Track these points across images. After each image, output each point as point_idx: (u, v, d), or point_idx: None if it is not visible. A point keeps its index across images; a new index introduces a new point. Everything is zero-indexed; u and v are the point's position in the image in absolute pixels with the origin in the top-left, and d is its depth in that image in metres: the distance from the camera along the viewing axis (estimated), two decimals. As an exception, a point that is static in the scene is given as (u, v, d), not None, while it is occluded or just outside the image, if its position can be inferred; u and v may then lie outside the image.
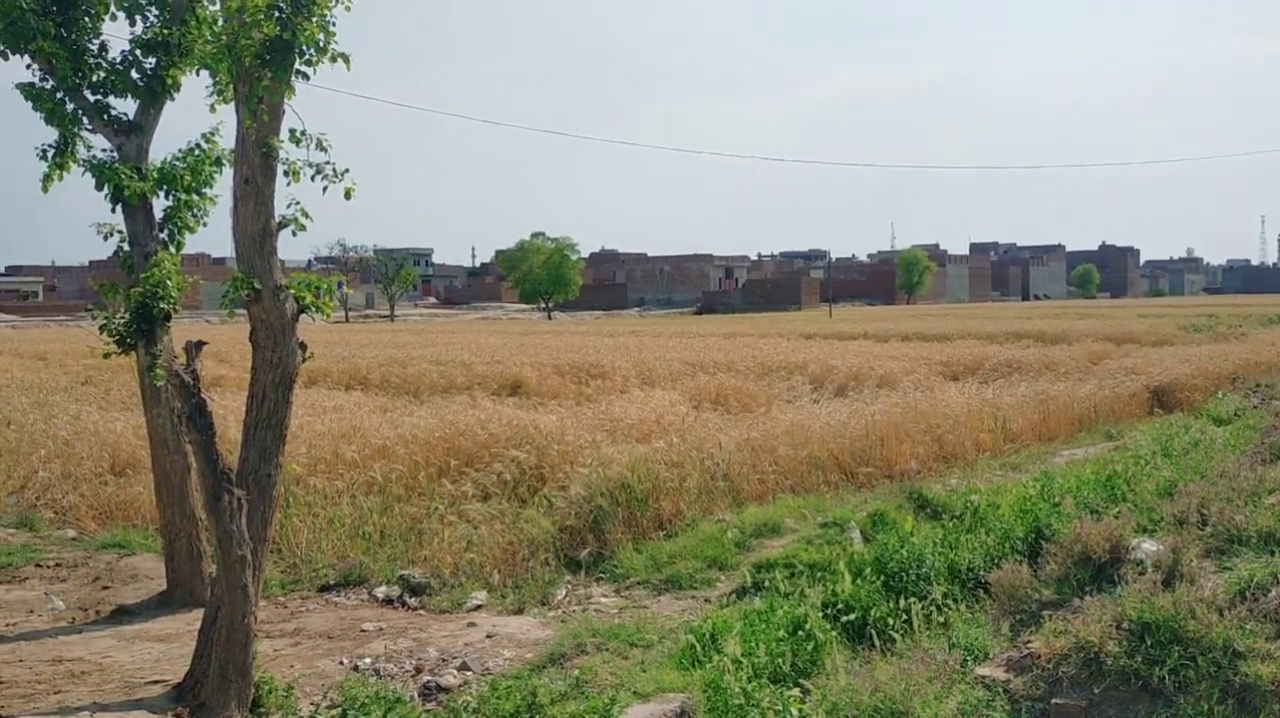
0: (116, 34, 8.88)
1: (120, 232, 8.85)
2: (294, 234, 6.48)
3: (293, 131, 6.45)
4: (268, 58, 6.13)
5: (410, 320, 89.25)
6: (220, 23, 6.99)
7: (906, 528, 9.21)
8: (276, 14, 6.11)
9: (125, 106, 8.99)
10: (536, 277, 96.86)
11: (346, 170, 6.64)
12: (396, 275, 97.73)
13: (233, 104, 6.45)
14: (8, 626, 8.36)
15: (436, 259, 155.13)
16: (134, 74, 8.83)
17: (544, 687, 5.35)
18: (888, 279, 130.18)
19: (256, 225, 6.34)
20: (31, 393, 20.94)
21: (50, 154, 8.82)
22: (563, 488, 10.58)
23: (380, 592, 9.19)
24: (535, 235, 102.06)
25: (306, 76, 6.36)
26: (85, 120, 8.80)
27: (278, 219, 6.43)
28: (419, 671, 7.24)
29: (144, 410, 8.87)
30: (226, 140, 8.97)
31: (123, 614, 8.54)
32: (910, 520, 9.51)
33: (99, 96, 8.80)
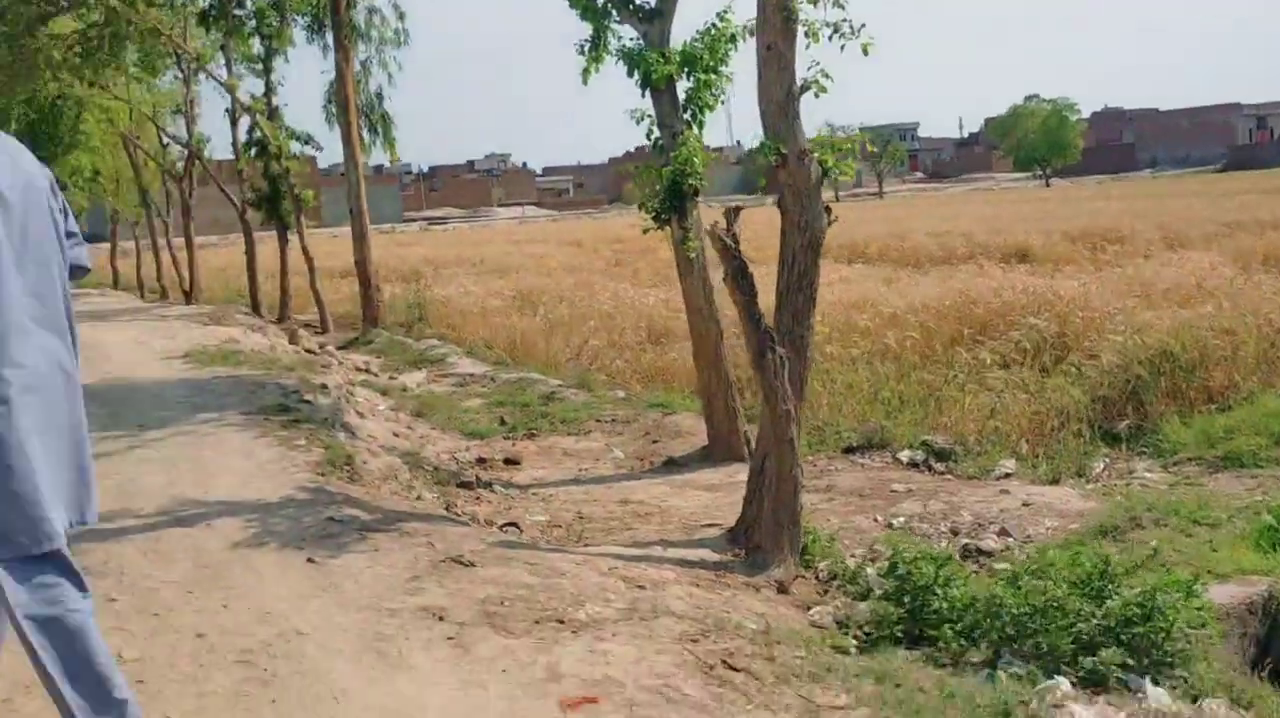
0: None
1: (649, 116, 9.42)
2: (815, 96, 6.46)
3: (809, -12, 6.39)
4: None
5: (899, 196, 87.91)
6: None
7: None
8: None
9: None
10: (1031, 143, 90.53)
11: (863, 25, 6.52)
12: (884, 152, 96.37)
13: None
14: (580, 470, 9.54)
15: (922, 133, 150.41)
16: (652, -39, 9.24)
17: (1116, 557, 5.05)
18: None
19: (780, 91, 6.40)
20: (575, 274, 23.59)
21: (586, 48, 9.58)
22: (1093, 357, 9.87)
23: (904, 455, 9.22)
24: (1029, 98, 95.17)
25: None
26: (614, 13, 9.40)
27: (799, 83, 6.45)
28: (955, 533, 7.19)
29: (679, 280, 9.50)
30: (738, 17, 9.17)
31: (672, 465, 9.38)
32: None
33: (623, -13, 9.35)
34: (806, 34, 6.30)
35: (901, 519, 7.48)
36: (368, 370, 14.83)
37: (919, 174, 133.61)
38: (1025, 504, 7.54)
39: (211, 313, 19.45)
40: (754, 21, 8.97)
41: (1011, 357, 11.05)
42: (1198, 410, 9.40)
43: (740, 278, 5.82)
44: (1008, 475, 8.54)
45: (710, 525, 7.23)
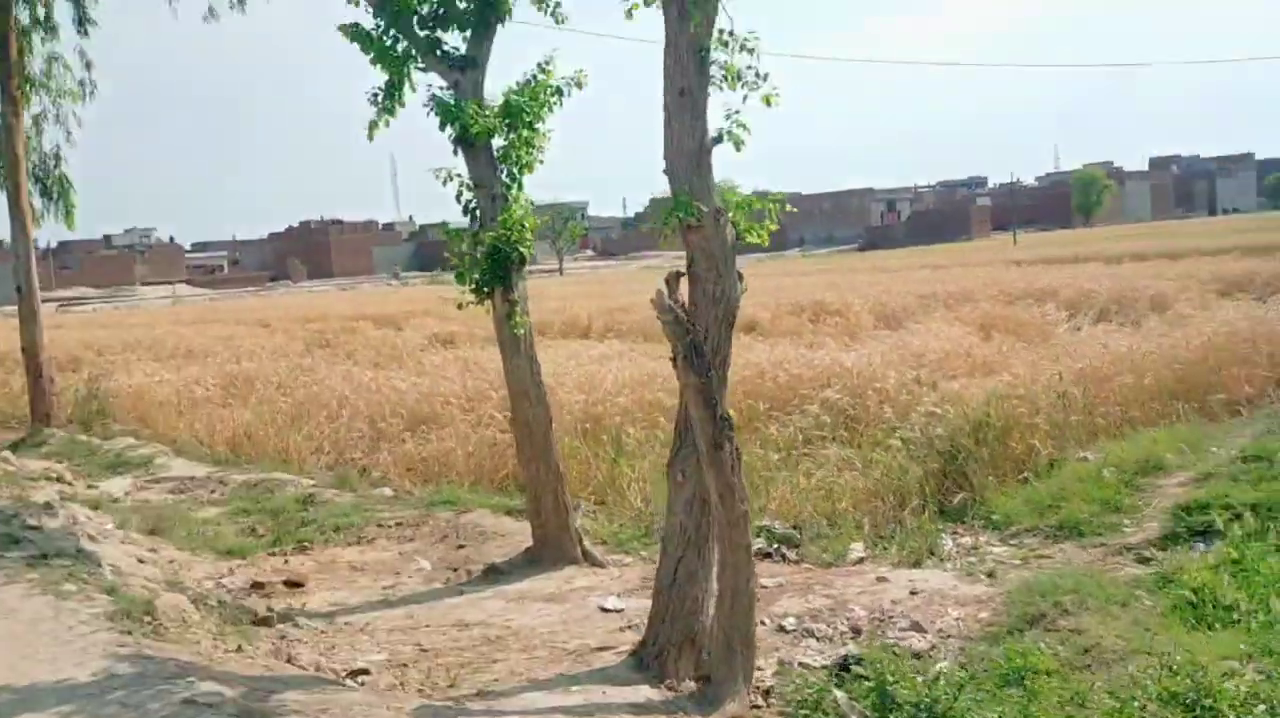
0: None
1: (459, 175, 8.36)
2: (737, 149, 5.76)
3: (720, 33, 5.74)
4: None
5: (577, 274, 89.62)
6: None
7: (1355, 459, 8.01)
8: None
9: (454, 41, 8.50)
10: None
11: (767, 75, 5.93)
12: (563, 229, 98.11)
13: (654, 5, 5.75)
14: (384, 589, 8.08)
15: (591, 212, 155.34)
16: (461, 2, 8.30)
17: (1057, 652, 4.56)
18: (1061, 202, 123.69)
19: (692, 142, 5.68)
20: (279, 358, 21.35)
21: (379, 98, 8.42)
22: (893, 430, 9.72)
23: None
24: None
25: None
26: (416, 59, 8.34)
27: (713, 134, 5.74)
28: (856, 632, 6.54)
29: (503, 362, 8.40)
30: (558, 69, 8.39)
31: (495, 574, 8.15)
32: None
33: (428, 31, 8.34)
34: (725, 79, 5.58)
35: (791, 621, 6.75)
36: (60, 480, 12.31)
37: (589, 251, 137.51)
38: (913, 593, 7.05)
39: None
40: (576, 75, 8.36)
41: (811, 433, 10.78)
42: (1007, 480, 9.46)
43: (694, 357, 4.93)
44: (862, 560, 8.09)
45: (600, 649, 6.15)
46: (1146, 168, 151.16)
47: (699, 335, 5.12)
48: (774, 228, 6.00)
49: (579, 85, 8.31)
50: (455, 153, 8.25)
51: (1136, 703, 3.77)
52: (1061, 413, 10.33)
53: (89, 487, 12.41)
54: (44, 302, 17.26)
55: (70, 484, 12.12)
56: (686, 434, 5.82)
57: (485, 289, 8.02)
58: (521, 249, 7.96)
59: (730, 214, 5.73)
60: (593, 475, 10.46)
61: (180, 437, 15.18)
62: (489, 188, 8.18)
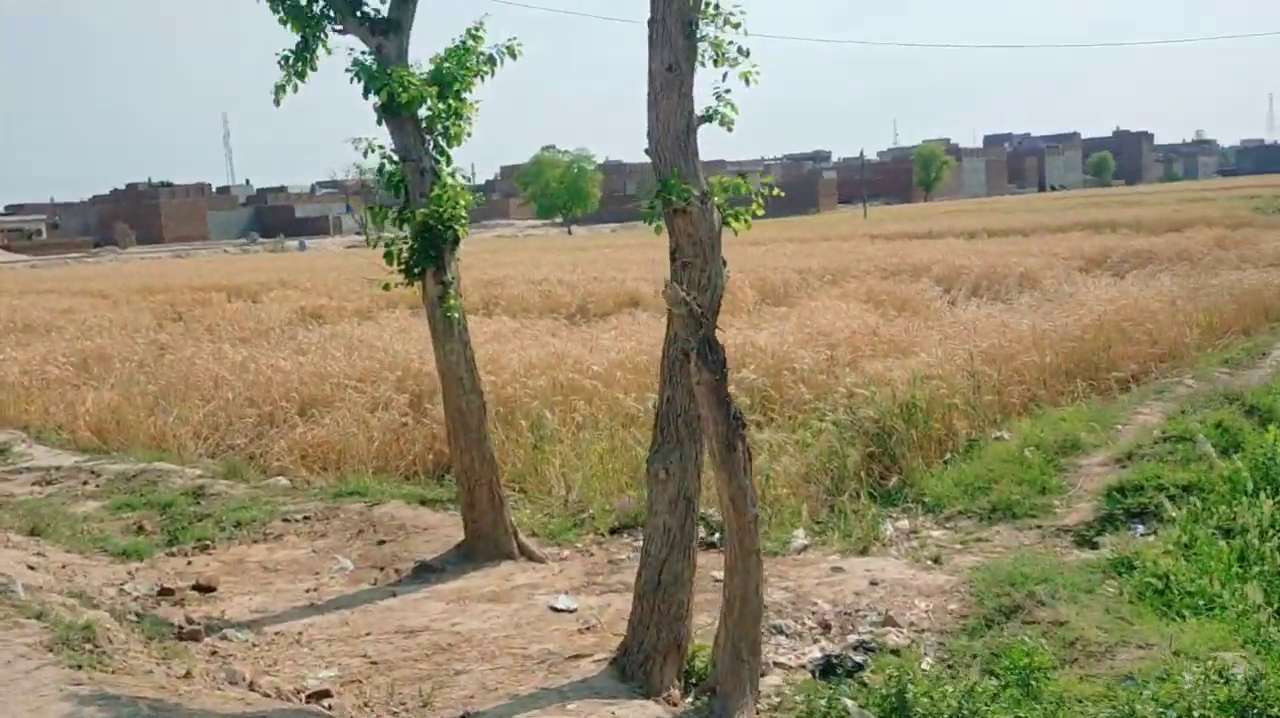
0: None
1: (380, 147, 7.78)
2: (729, 129, 5.44)
3: (706, 5, 5.40)
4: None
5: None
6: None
7: (1270, 437, 8.32)
8: None
9: (373, 2, 7.86)
10: (554, 191, 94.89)
11: (748, 53, 5.63)
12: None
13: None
14: (307, 592, 7.49)
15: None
16: (386, -40, 7.69)
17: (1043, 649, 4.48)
18: (904, 176, 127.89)
19: (680, 121, 5.32)
20: (130, 333, 19.92)
21: (290, 61, 7.75)
22: (851, 408, 9.65)
23: (687, 535, 8.32)
24: (546, 148, 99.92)
25: None
26: (333, 19, 7.69)
27: (700, 113, 5.41)
28: (826, 628, 6.40)
29: (434, 347, 7.87)
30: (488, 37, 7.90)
31: (427, 572, 7.67)
32: (1273, 430, 8.59)
33: (347, -10, 7.69)
34: (715, 56, 5.25)
35: (756, 616, 6.55)
36: (-94, 471, 11.09)
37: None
38: (874, 583, 6.94)
39: None
40: (509, 44, 7.88)
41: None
42: (935, 460, 9.52)
43: (709, 354, 4.60)
44: (805, 548, 7.95)
45: (574, 658, 5.80)
46: (981, 145, 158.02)
47: (712, 330, 4.80)
48: (760, 212, 5.72)
49: (513, 54, 7.82)
50: (379, 121, 7.67)
51: (1194, 713, 3.67)
52: (974, 393, 10.45)
53: (-63, 481, 11.24)
54: None
55: (-83, 478, 10.94)
56: (668, 429, 5.50)
57: (416, 270, 7.49)
58: (456, 227, 7.46)
59: (716, 199, 5.42)
60: (509, 462, 10.01)
61: (34, 422, 13.95)
62: (416, 161, 7.63)
